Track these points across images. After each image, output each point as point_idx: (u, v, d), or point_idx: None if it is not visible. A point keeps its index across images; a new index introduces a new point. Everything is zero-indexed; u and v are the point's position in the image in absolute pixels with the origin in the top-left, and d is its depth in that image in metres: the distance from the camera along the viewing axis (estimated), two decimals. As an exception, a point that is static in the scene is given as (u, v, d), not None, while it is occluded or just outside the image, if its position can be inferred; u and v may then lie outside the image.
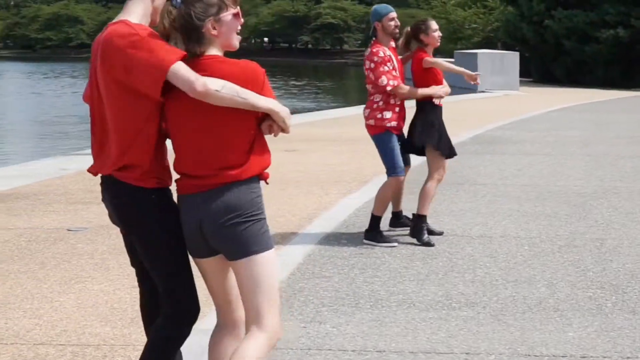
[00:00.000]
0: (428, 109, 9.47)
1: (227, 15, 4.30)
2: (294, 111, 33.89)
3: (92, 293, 7.45)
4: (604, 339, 6.29)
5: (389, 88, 9.19)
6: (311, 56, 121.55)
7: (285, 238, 9.50)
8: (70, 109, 37.70)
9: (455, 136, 19.24)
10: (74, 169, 14.61)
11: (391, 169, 9.32)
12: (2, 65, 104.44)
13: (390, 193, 9.50)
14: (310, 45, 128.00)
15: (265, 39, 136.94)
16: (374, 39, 9.49)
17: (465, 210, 11.12)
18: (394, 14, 9.47)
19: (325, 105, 41.22)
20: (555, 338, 6.30)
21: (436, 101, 9.46)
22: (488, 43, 59.37)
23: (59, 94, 51.68)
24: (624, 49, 46.96)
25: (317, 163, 15.39)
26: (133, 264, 4.74)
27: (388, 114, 9.29)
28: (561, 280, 7.85)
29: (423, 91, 9.38)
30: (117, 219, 4.54)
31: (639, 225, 10.27)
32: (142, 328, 4.94)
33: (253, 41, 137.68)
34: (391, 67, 9.25)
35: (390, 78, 9.19)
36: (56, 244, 9.26)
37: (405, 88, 9.28)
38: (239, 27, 4.39)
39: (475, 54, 41.66)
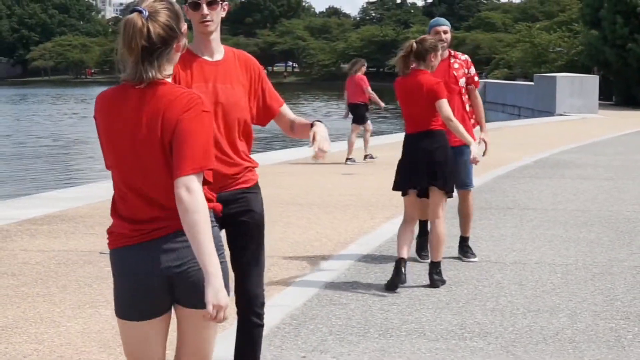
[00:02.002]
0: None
1: None
2: (377, 132, 33.16)
3: (101, 318, 7.26)
4: (614, 373, 5.93)
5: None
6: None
7: (314, 263, 9.25)
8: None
9: (518, 160, 18.95)
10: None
11: None
12: (97, 89, 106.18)
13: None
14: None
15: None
16: None
17: (507, 235, 10.74)
18: (440, 28, 9.33)
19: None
20: (562, 372, 5.96)
21: None
22: (573, 66, 58.43)
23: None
24: None
25: (371, 187, 15.09)
26: None
27: None
28: (585, 310, 7.46)
29: None
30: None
31: (684, 252, 9.83)
32: None
33: (341, 65, 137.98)
34: None
35: None
36: (84, 267, 9.12)
37: None
38: None
39: (554, 77, 41.02)
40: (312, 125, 4.99)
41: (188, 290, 3.88)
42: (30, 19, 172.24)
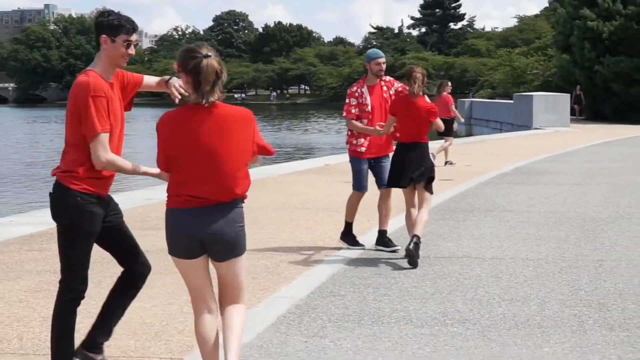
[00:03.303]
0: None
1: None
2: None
3: (131, 309, 7.13)
4: (576, 354, 5.87)
5: (342, 115, 9.70)
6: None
7: (318, 260, 9.22)
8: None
9: (498, 169, 18.88)
10: (158, 199, 14.51)
11: (355, 186, 9.82)
12: (133, 110, 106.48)
13: (354, 203, 9.87)
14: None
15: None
16: (364, 75, 9.81)
17: (486, 234, 10.69)
18: (380, 60, 9.67)
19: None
20: (531, 353, 5.89)
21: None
22: (548, 86, 58.26)
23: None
24: (665, 90, 46.06)
25: (368, 193, 15.01)
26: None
27: (358, 141, 9.68)
28: (553, 299, 7.41)
29: (358, 127, 9.54)
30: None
31: (641, 247, 9.76)
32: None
33: (347, 88, 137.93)
34: (355, 103, 9.58)
35: (345, 109, 9.62)
36: (117, 265, 9.06)
37: (352, 123, 9.59)
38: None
39: (531, 96, 40.95)
40: (167, 80, 5.59)
41: (216, 250, 4.82)
42: (76, 49, 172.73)
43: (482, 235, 10.60)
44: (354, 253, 9.55)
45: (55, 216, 5.30)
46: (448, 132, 20.28)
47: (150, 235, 10.86)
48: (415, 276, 8.37)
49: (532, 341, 6.18)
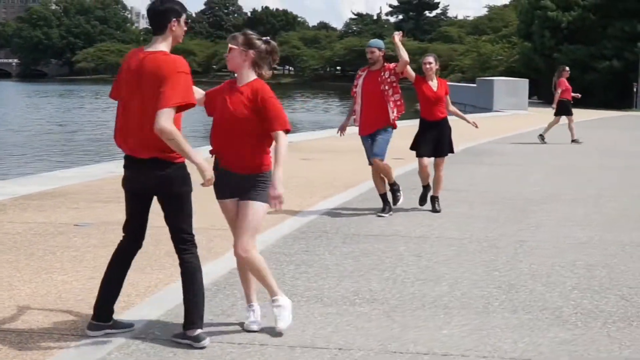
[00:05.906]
0: None
1: None
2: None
3: (52, 283, 6.81)
4: (473, 337, 5.46)
5: None
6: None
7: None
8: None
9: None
10: (121, 172, 14.07)
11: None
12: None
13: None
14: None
15: (338, 68, 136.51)
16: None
17: (420, 212, 10.32)
18: (367, 49, 10.28)
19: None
20: (429, 335, 5.48)
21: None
22: (512, 72, 57.87)
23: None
24: (618, 77, 45.79)
25: (320, 170, 14.64)
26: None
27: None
28: (466, 279, 7.01)
29: None
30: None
31: (564, 228, 9.38)
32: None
33: (328, 69, 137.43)
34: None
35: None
36: (56, 237, 8.67)
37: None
38: None
39: (492, 80, 40.62)
40: None
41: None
42: (76, 28, 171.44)
43: (415, 214, 10.23)
44: (285, 230, 9.14)
45: (177, 187, 5.27)
46: (568, 112, 21.29)
47: (97, 208, 10.45)
48: (340, 254, 7.97)
49: (433, 323, 5.78)
